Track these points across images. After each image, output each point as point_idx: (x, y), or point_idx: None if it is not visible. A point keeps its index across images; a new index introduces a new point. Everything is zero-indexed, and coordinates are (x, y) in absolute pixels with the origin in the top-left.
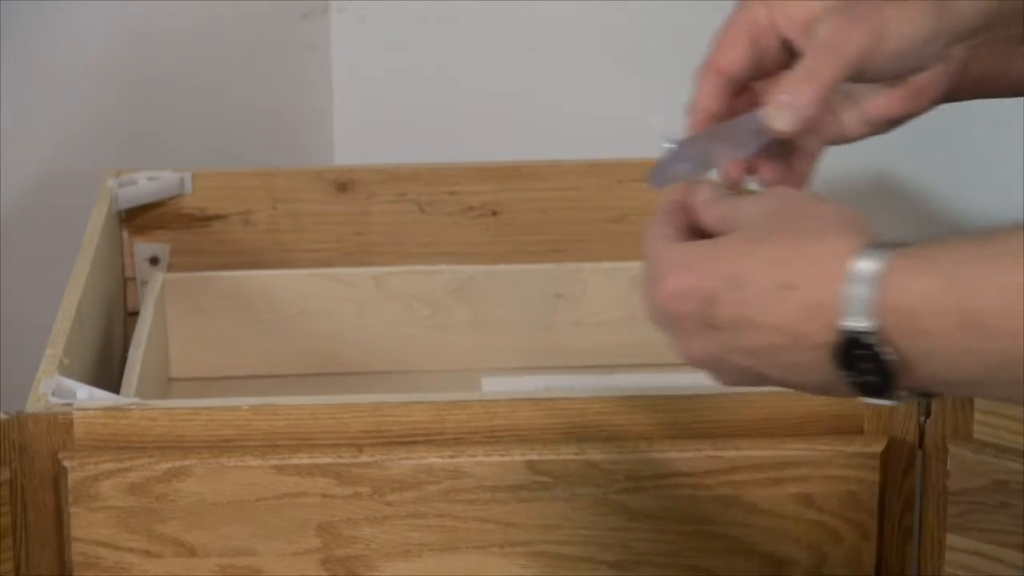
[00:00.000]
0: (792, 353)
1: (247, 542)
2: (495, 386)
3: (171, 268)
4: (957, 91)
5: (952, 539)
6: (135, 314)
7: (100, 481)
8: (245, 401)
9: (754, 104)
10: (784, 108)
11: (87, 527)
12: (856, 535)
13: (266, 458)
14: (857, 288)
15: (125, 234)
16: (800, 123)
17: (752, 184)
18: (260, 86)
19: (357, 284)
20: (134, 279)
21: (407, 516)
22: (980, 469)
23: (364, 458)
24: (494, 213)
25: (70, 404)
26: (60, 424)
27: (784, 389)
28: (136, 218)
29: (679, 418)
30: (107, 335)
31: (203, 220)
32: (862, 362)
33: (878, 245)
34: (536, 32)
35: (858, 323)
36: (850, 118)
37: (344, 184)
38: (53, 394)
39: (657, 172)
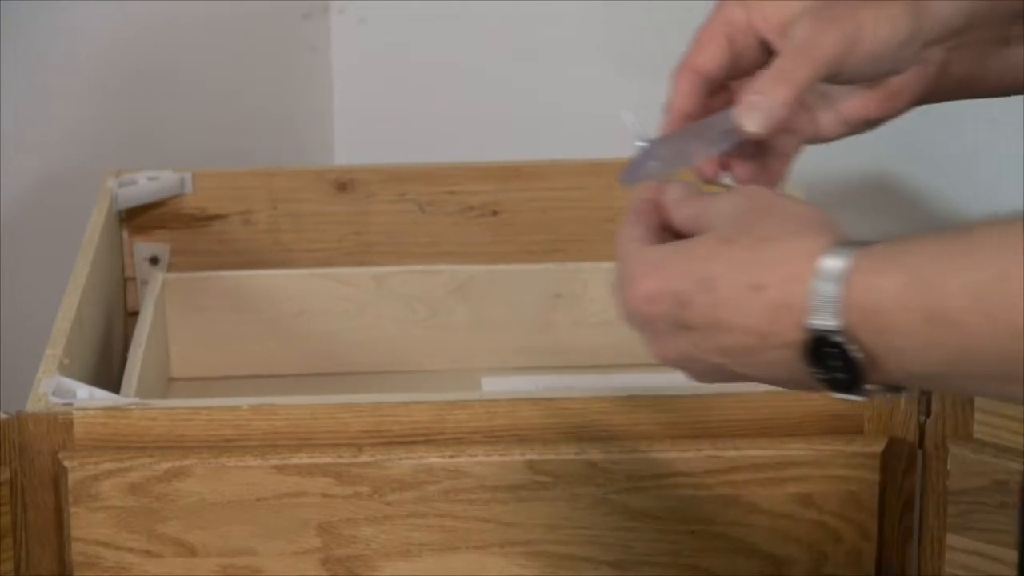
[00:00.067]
0: (763, 352)
1: (247, 542)
2: (495, 386)
3: (171, 268)
4: (935, 93)
5: (952, 539)
6: (135, 314)
7: (100, 481)
8: (245, 401)
9: (731, 104)
10: (755, 108)
11: (87, 527)
12: (856, 535)
13: (266, 458)
14: (824, 287)
15: (125, 234)
16: (771, 124)
17: (727, 180)
18: (260, 86)
19: (357, 284)
20: (134, 279)
21: (407, 516)
22: (980, 469)
23: (364, 458)
24: (494, 213)
25: (70, 404)
26: (60, 424)
27: (781, 389)
28: (136, 218)
29: (679, 418)
30: (107, 335)
31: (203, 220)
32: (830, 359)
33: (845, 244)
34: (536, 32)
35: (825, 322)
36: (827, 118)
37: (344, 184)
38: (53, 394)
39: (629, 170)
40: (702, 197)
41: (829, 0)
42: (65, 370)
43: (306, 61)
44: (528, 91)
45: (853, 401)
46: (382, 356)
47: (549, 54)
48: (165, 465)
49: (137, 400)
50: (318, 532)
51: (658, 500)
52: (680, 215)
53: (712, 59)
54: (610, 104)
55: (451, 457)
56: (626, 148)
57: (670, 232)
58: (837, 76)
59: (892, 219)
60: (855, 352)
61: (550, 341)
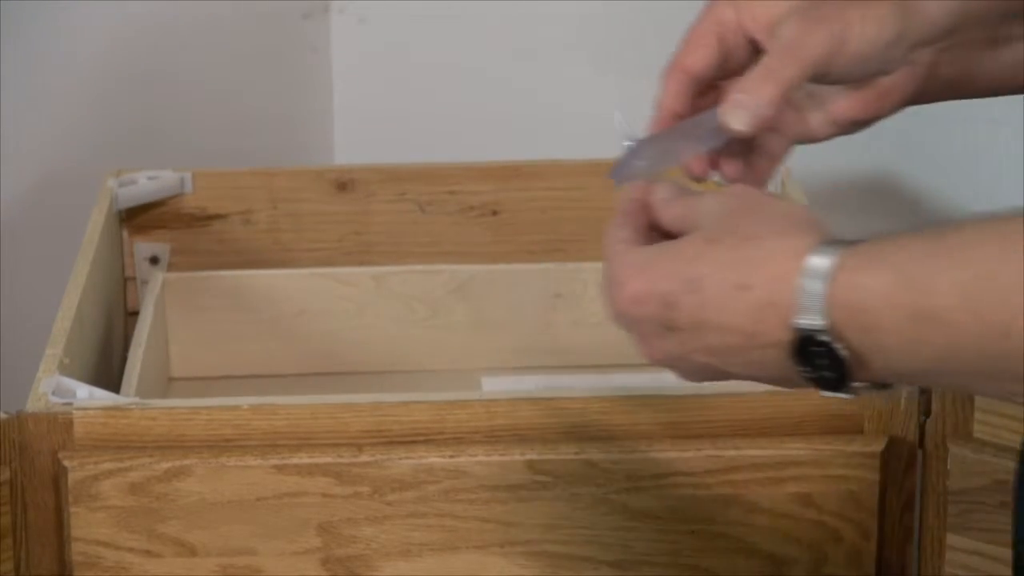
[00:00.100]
0: (750, 351)
1: (247, 542)
2: (495, 386)
3: (171, 268)
4: (924, 94)
5: (952, 539)
6: (135, 314)
7: (100, 481)
8: (245, 401)
9: (720, 103)
10: (740, 107)
11: (87, 527)
12: (856, 535)
13: (266, 458)
14: (809, 286)
15: (125, 234)
16: (756, 123)
17: (716, 178)
18: (260, 86)
19: (357, 284)
20: (134, 279)
21: (407, 516)
22: (980, 469)
23: (364, 458)
24: (494, 213)
25: (70, 404)
26: (60, 424)
27: (778, 388)
28: (136, 218)
29: (679, 418)
30: (107, 335)
31: (203, 220)
32: (817, 358)
33: (830, 242)
34: (536, 32)
35: (812, 320)
36: (816, 119)
37: (344, 184)
38: (53, 393)
39: (617, 170)
40: (689, 197)
41: (818, 0)
42: (65, 370)
43: (306, 61)
44: (528, 91)
45: (844, 399)
46: (382, 356)
47: (549, 54)
48: (165, 465)
49: (137, 400)
50: (318, 532)
51: (658, 500)
52: (667, 215)
53: (701, 59)
54: (610, 104)
55: (451, 457)
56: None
57: (658, 232)
58: (825, 76)
59: (892, 219)
60: (841, 351)
61: (550, 341)
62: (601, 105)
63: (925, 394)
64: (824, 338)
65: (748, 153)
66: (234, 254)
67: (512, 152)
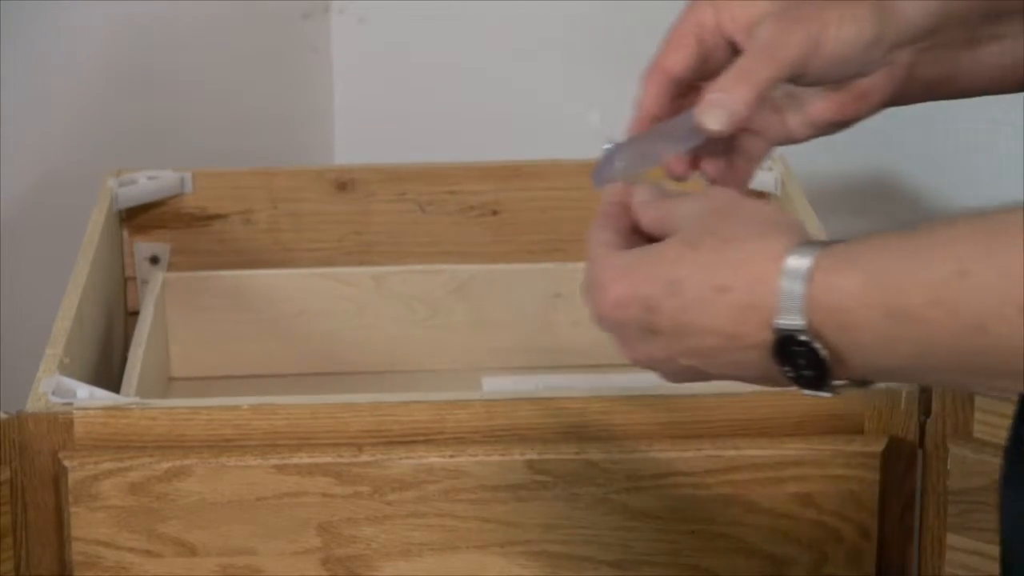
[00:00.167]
0: (731, 353)
1: (247, 542)
2: (495, 386)
3: (171, 268)
4: (903, 95)
5: (952, 539)
6: (135, 314)
7: (100, 481)
8: (245, 401)
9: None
10: (716, 107)
11: (87, 527)
12: (856, 535)
13: (266, 458)
14: (789, 287)
15: (125, 234)
16: (731, 122)
17: (696, 178)
18: (260, 86)
19: (357, 284)
20: (134, 279)
21: (407, 516)
22: (980, 469)
23: (364, 457)
24: (494, 213)
25: (70, 403)
26: (60, 423)
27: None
28: (136, 217)
29: (679, 418)
30: (107, 335)
31: (203, 220)
32: (798, 357)
33: (807, 244)
34: (536, 32)
35: (791, 321)
36: (794, 120)
37: (344, 184)
38: (53, 393)
39: (597, 172)
40: (668, 199)
41: (796, 1)
42: (65, 370)
43: (306, 61)
44: (528, 91)
45: (842, 399)
46: (382, 356)
47: (549, 54)
48: (165, 465)
49: (137, 400)
50: (318, 532)
51: (658, 500)
52: (647, 217)
53: (681, 60)
54: (610, 104)
55: (451, 457)
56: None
57: (639, 234)
58: (802, 77)
59: (892, 219)
60: (821, 350)
61: (550, 341)
62: (601, 105)
63: (925, 394)
64: (804, 338)
65: (728, 153)
66: (234, 254)
67: (512, 152)
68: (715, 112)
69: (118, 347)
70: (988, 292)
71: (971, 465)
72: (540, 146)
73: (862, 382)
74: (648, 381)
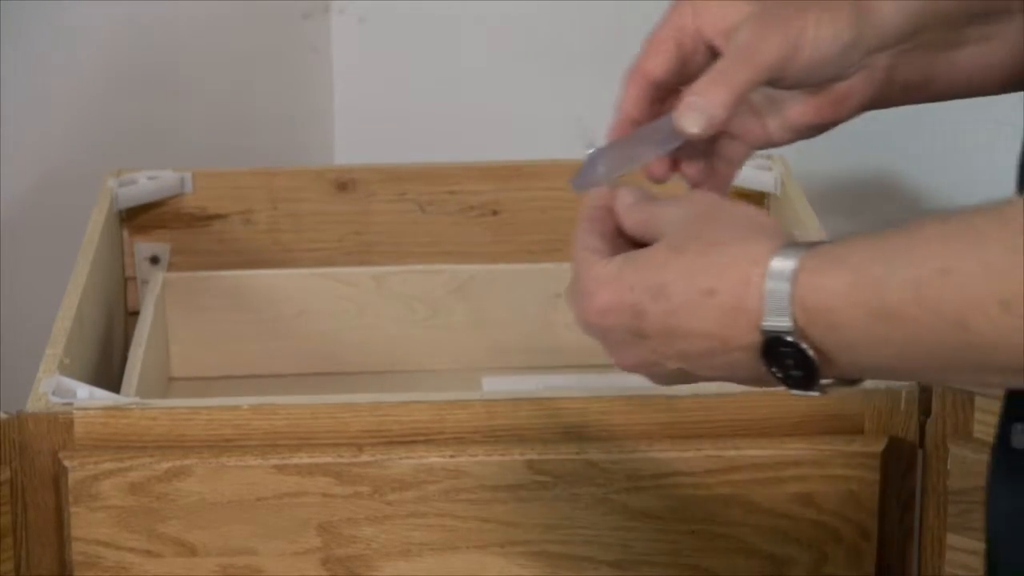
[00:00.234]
0: (720, 355)
1: (247, 542)
2: (495, 386)
3: (171, 268)
4: (883, 98)
5: (952, 539)
6: (135, 314)
7: (100, 481)
8: (245, 401)
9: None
10: (693, 110)
11: (87, 527)
12: (856, 535)
13: (266, 458)
14: (774, 288)
15: (125, 234)
16: (709, 126)
17: (677, 179)
18: (260, 86)
19: (357, 284)
20: (134, 279)
21: (407, 516)
22: (980, 469)
23: (364, 457)
24: (494, 213)
25: (70, 403)
26: (60, 423)
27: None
28: (136, 218)
29: (679, 418)
30: (107, 335)
31: (203, 220)
32: (786, 358)
33: (791, 246)
34: (536, 32)
35: (778, 322)
36: (774, 124)
37: (344, 184)
38: (53, 393)
39: (579, 176)
40: (651, 204)
41: (774, 5)
42: (65, 370)
43: (306, 61)
44: (528, 91)
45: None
46: (382, 356)
47: (549, 54)
48: (165, 465)
49: (137, 400)
50: (318, 532)
51: (658, 500)
52: (630, 221)
53: (660, 64)
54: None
55: (451, 457)
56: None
57: (624, 237)
58: (780, 81)
59: (892, 220)
60: (809, 350)
61: (550, 341)
62: (601, 105)
63: (925, 394)
64: (791, 339)
65: (708, 156)
66: (234, 254)
67: (512, 152)
68: (693, 115)
69: (118, 347)
70: (969, 289)
71: (971, 465)
72: (540, 146)
73: (850, 381)
74: (648, 382)
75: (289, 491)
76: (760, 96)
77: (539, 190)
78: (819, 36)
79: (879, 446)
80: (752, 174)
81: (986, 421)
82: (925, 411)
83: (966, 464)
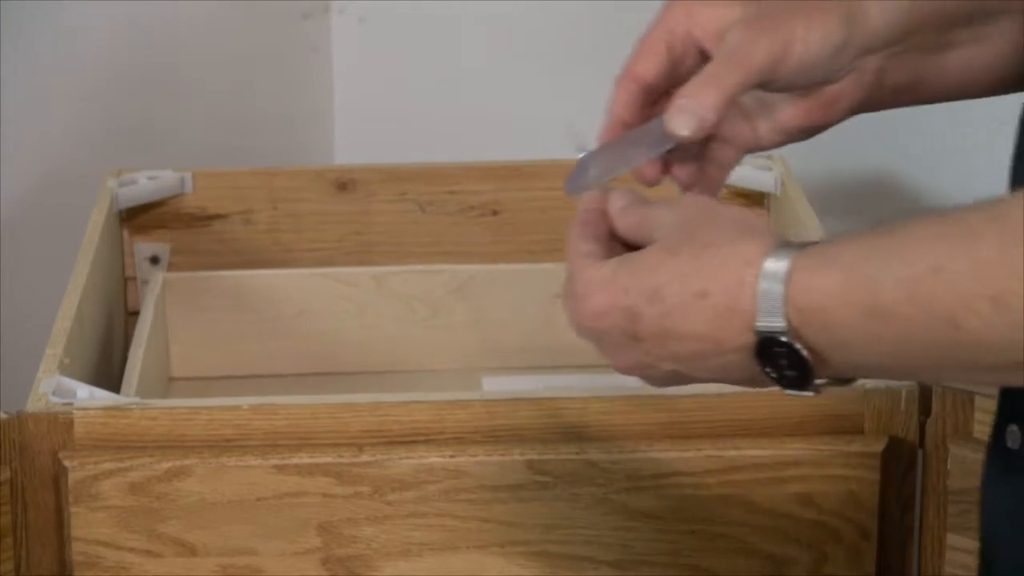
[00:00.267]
0: (715, 356)
1: (247, 542)
2: (495, 386)
3: (171, 268)
4: (873, 101)
5: (952, 539)
6: (135, 314)
7: (100, 481)
8: (245, 401)
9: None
10: (683, 112)
11: (87, 527)
12: (856, 535)
13: (266, 458)
14: (768, 289)
15: (125, 234)
16: (699, 127)
17: (669, 182)
18: (261, 86)
19: (357, 284)
20: (134, 279)
21: (407, 516)
22: (980, 469)
23: (364, 457)
24: (494, 213)
25: (70, 403)
26: (60, 423)
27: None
28: (136, 218)
29: (679, 418)
30: (107, 335)
31: (203, 220)
32: (780, 359)
33: (783, 246)
34: (536, 32)
35: (772, 323)
36: (764, 127)
37: (344, 184)
38: (54, 393)
39: (571, 180)
40: (644, 207)
41: (764, 8)
42: (65, 370)
43: (306, 61)
44: (528, 91)
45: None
46: (382, 356)
47: (549, 54)
48: (165, 465)
49: (137, 400)
50: (318, 532)
51: (658, 500)
52: (623, 224)
53: (651, 67)
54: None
55: (451, 457)
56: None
57: (618, 240)
58: (771, 83)
59: (891, 220)
60: (803, 350)
61: (550, 341)
62: (601, 106)
63: (925, 394)
64: (785, 339)
65: (699, 160)
66: (234, 254)
67: (512, 152)
68: (683, 117)
69: (118, 347)
70: (961, 287)
71: (971, 465)
72: (540, 146)
73: (844, 380)
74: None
75: (289, 491)
76: (750, 99)
77: (539, 190)
78: (809, 39)
79: (879, 446)
80: (752, 174)
81: (986, 421)
82: (925, 411)
83: (966, 464)
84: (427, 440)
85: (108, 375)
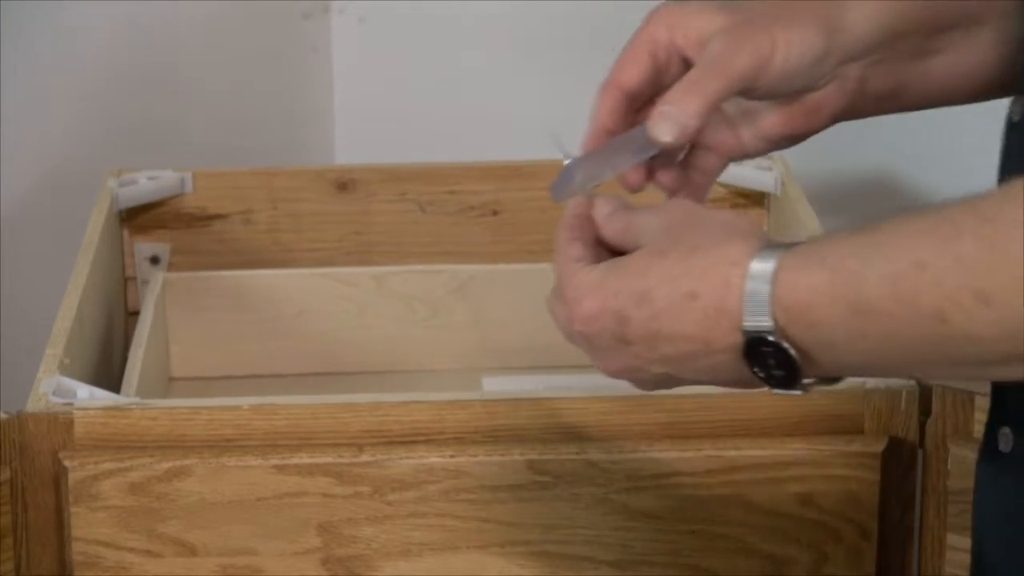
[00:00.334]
0: (703, 357)
1: (247, 542)
2: (495, 386)
3: (171, 268)
4: (855, 109)
5: (952, 539)
6: (135, 314)
7: (100, 481)
8: (245, 401)
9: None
10: (666, 119)
11: (87, 527)
12: (856, 535)
13: (266, 458)
14: (754, 289)
15: (125, 234)
16: (682, 134)
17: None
18: (261, 86)
19: (357, 284)
20: (134, 279)
21: (407, 516)
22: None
23: (364, 458)
24: (494, 213)
25: (71, 404)
26: (61, 424)
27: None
28: (136, 218)
29: (679, 418)
30: (107, 335)
31: (203, 220)
32: (768, 358)
33: (769, 247)
34: (537, 33)
35: (759, 322)
36: (747, 134)
37: (344, 184)
38: (54, 394)
39: (557, 187)
40: (629, 212)
41: (747, 17)
42: (65, 370)
43: (306, 61)
44: (528, 91)
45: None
46: (382, 356)
47: (549, 54)
48: (165, 465)
49: (137, 400)
50: (318, 532)
51: (658, 500)
52: (609, 230)
53: (635, 75)
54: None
55: (451, 457)
56: None
57: (605, 246)
58: (753, 91)
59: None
60: (790, 349)
61: (550, 341)
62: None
63: (925, 394)
64: (773, 338)
65: (684, 168)
66: (234, 254)
67: (512, 152)
68: (666, 124)
69: (118, 347)
70: (945, 282)
71: (971, 465)
72: (540, 146)
73: (832, 379)
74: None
75: (289, 491)
76: (733, 107)
77: (539, 190)
78: (790, 47)
79: (879, 446)
80: (752, 174)
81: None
82: (925, 411)
83: (966, 464)
84: (427, 440)
85: (108, 375)
